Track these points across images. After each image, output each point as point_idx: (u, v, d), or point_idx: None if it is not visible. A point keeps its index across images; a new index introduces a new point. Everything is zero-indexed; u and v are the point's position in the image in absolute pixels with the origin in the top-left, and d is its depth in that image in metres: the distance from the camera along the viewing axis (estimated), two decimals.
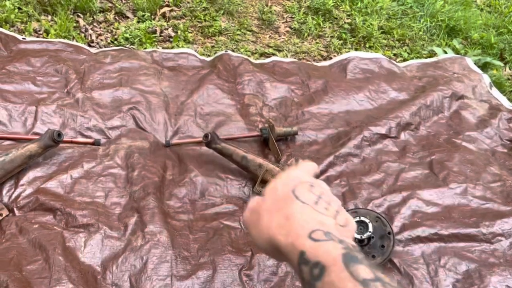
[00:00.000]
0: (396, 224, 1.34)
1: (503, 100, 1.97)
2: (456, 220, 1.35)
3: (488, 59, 2.31)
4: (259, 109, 1.76)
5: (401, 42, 2.46)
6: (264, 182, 1.39)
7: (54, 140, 1.32)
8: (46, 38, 1.98)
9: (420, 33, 2.50)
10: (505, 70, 2.36)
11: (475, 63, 2.20)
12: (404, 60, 2.30)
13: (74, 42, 1.93)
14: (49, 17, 2.14)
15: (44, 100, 1.57)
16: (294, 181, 0.57)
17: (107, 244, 1.16)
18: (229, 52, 2.01)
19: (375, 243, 1.22)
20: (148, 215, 1.24)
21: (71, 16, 2.15)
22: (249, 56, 2.13)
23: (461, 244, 1.29)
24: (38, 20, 2.10)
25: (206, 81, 1.81)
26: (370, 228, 1.18)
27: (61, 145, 1.41)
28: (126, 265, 1.12)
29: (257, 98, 1.80)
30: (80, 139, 1.49)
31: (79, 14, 2.19)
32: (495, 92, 2.02)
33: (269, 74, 1.93)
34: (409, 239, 1.29)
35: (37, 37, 2.02)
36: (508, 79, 2.30)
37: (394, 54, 2.36)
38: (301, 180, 0.57)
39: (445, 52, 2.31)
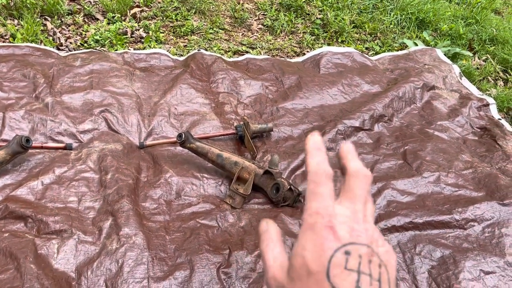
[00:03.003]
0: None
1: (472, 89, 2.01)
2: (430, 208, 1.37)
3: (458, 49, 2.36)
4: (234, 107, 1.75)
5: (372, 35, 2.49)
6: (240, 180, 1.39)
7: (23, 146, 1.29)
8: (12, 42, 1.93)
9: (391, 26, 2.53)
10: (474, 60, 2.42)
11: (445, 54, 2.24)
12: (376, 53, 2.32)
13: (42, 46, 1.89)
14: (15, 21, 2.09)
15: (11, 106, 1.53)
16: (332, 244, 0.35)
17: (81, 249, 1.14)
18: (202, 51, 2.00)
19: None
20: (123, 218, 1.22)
21: (38, 19, 2.11)
22: (222, 54, 2.12)
23: (435, 231, 1.31)
24: (3, 25, 2.05)
25: (179, 81, 1.79)
26: None
27: (30, 151, 1.38)
28: (102, 269, 1.10)
29: (232, 96, 1.80)
30: (51, 144, 1.45)
31: (46, 17, 2.15)
32: (465, 81, 2.06)
33: (243, 71, 1.92)
34: (385, 228, 1.31)
35: (3, 42, 1.96)
36: (477, 68, 2.35)
37: (366, 48, 2.39)
38: (341, 241, 0.35)
39: (416, 44, 2.34)
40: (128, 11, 2.28)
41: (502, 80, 2.34)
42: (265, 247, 0.40)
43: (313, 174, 0.38)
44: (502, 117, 1.92)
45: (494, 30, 2.60)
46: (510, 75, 2.34)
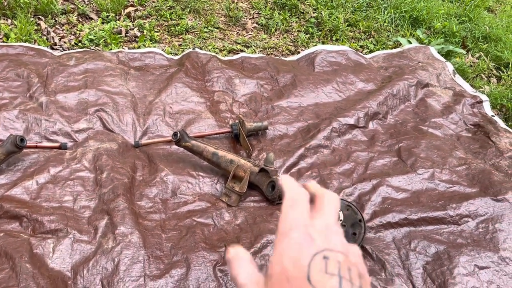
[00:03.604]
0: (367, 211, 1.36)
1: (466, 86, 2.02)
2: (425, 204, 1.38)
3: (451, 47, 2.37)
4: (229, 105, 1.75)
5: (367, 34, 2.50)
6: (236, 178, 1.39)
7: (17, 145, 1.28)
8: (6, 42, 1.92)
9: (385, 24, 2.54)
10: (467, 58, 2.43)
11: (438, 52, 2.26)
12: (371, 51, 2.33)
13: (35, 46, 1.88)
14: (9, 21, 2.08)
15: (5, 105, 1.53)
16: (310, 250, 0.36)
17: (77, 248, 1.14)
18: (197, 50, 2.00)
19: (347, 231, 1.24)
20: (118, 216, 1.22)
21: (32, 19, 2.10)
22: (217, 53, 2.12)
23: (430, 227, 1.32)
24: None
25: (174, 80, 1.79)
26: (341, 217, 1.20)
27: (25, 150, 1.37)
28: (98, 268, 1.10)
29: (227, 95, 1.80)
30: (46, 143, 1.45)
31: (40, 16, 2.14)
32: (458, 79, 2.07)
33: (238, 70, 1.92)
34: (380, 225, 1.32)
35: None
36: (471, 65, 2.37)
37: (361, 46, 2.40)
38: (319, 247, 0.36)
39: (410, 42, 2.35)
40: (122, 10, 2.27)
41: (495, 77, 2.36)
42: (237, 268, 0.38)
43: (289, 191, 0.40)
44: (495, 114, 1.94)
45: (487, 28, 2.62)
46: (503, 72, 2.36)
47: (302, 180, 1.46)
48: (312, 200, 0.42)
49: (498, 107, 2.09)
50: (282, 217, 0.39)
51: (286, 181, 0.42)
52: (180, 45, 2.18)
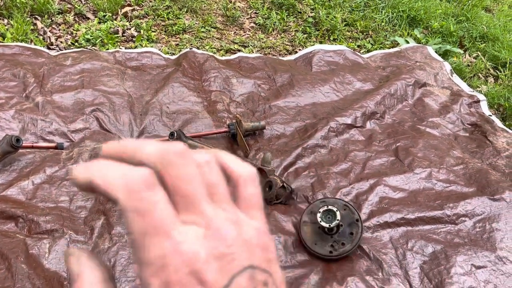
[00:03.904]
0: (364, 211, 1.36)
1: (463, 86, 2.02)
2: (422, 204, 1.38)
3: (448, 47, 2.37)
4: (226, 105, 1.75)
5: (364, 33, 2.50)
6: None
7: (13, 145, 1.28)
8: (2, 42, 1.92)
9: (383, 24, 2.54)
10: (465, 57, 2.43)
11: (436, 51, 2.26)
12: (368, 51, 2.33)
13: (32, 45, 1.88)
14: (5, 21, 2.07)
15: (1, 105, 1.52)
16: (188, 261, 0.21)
17: None
18: (194, 49, 1.99)
19: (344, 231, 1.23)
20: (115, 216, 1.21)
21: (28, 18, 2.09)
22: (214, 53, 2.12)
23: (427, 227, 1.32)
24: None
25: (171, 80, 1.79)
26: (338, 217, 1.20)
27: (21, 150, 1.37)
28: None
29: (224, 95, 1.79)
30: (42, 143, 1.44)
31: (36, 16, 2.13)
32: (456, 78, 2.07)
33: (235, 70, 1.92)
34: (377, 225, 1.32)
35: None
36: (468, 65, 2.37)
37: (358, 46, 2.40)
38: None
39: (407, 42, 2.35)
40: (119, 10, 2.27)
41: (493, 77, 2.36)
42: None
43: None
44: (492, 114, 1.94)
45: (485, 28, 2.62)
46: (500, 72, 2.36)
47: (300, 180, 1.46)
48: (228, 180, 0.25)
49: (495, 107, 2.09)
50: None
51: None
52: (177, 44, 2.18)
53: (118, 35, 2.12)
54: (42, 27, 2.07)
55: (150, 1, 2.41)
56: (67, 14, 2.19)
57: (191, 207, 0.22)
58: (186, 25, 2.28)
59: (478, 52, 2.47)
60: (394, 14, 2.60)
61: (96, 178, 0.22)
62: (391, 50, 2.25)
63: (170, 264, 0.21)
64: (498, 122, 1.83)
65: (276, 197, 1.35)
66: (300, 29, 2.43)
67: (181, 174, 0.22)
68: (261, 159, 1.44)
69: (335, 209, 1.21)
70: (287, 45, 2.33)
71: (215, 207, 0.22)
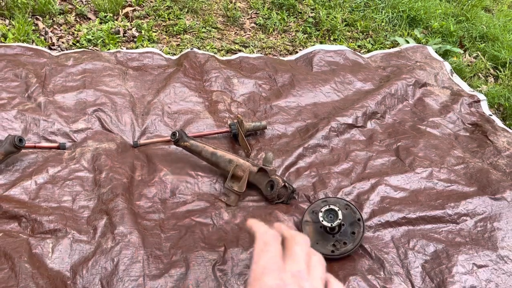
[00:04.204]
0: (366, 210, 1.36)
1: (463, 85, 2.03)
2: (423, 203, 1.38)
3: (448, 47, 2.38)
4: (227, 105, 1.76)
5: (364, 33, 2.50)
6: (235, 178, 1.39)
7: (16, 145, 1.28)
8: (4, 42, 1.92)
9: (383, 24, 2.55)
10: (465, 57, 2.44)
11: (436, 51, 2.26)
12: (368, 51, 2.34)
13: (33, 46, 1.88)
14: (7, 21, 2.08)
15: (3, 105, 1.52)
16: None
17: (76, 248, 1.14)
18: (195, 49, 2.00)
19: (346, 230, 1.24)
20: (117, 216, 1.22)
21: (30, 19, 2.09)
22: (215, 53, 2.12)
23: (429, 226, 1.33)
24: None
25: (172, 80, 1.79)
26: (340, 216, 1.20)
27: (23, 150, 1.37)
28: (97, 268, 1.10)
29: (225, 95, 1.80)
30: (44, 143, 1.45)
31: (38, 17, 2.13)
32: (456, 78, 2.08)
33: (236, 70, 1.93)
34: (379, 224, 1.32)
35: None
36: (468, 65, 2.38)
37: (359, 46, 2.40)
38: None
39: (407, 42, 2.36)
40: (120, 10, 2.27)
41: (493, 77, 2.37)
42: None
43: (262, 234, 0.41)
44: (492, 113, 1.94)
45: (485, 28, 2.63)
46: (500, 71, 2.37)
47: (302, 180, 1.46)
48: (283, 242, 0.42)
49: (495, 106, 2.10)
50: (255, 261, 0.38)
51: (254, 224, 0.42)
52: (178, 45, 2.18)
53: (119, 35, 2.13)
54: (43, 28, 2.08)
55: (151, 2, 2.42)
56: (68, 15, 2.20)
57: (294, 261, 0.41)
58: (187, 25, 2.28)
59: (478, 52, 2.48)
60: (394, 14, 2.60)
61: (254, 226, 0.42)
62: (391, 50, 2.25)
63: (267, 275, 0.38)
64: (499, 122, 1.83)
65: (277, 196, 1.35)
66: (301, 29, 2.44)
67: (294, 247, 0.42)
68: (263, 159, 1.44)
69: (337, 208, 1.21)
70: (287, 45, 2.33)
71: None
